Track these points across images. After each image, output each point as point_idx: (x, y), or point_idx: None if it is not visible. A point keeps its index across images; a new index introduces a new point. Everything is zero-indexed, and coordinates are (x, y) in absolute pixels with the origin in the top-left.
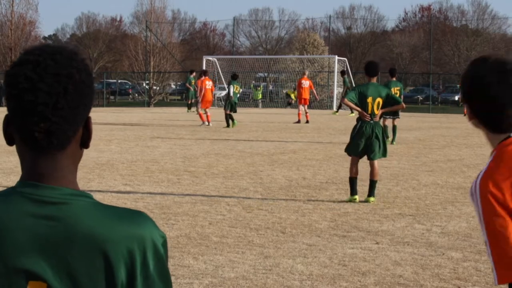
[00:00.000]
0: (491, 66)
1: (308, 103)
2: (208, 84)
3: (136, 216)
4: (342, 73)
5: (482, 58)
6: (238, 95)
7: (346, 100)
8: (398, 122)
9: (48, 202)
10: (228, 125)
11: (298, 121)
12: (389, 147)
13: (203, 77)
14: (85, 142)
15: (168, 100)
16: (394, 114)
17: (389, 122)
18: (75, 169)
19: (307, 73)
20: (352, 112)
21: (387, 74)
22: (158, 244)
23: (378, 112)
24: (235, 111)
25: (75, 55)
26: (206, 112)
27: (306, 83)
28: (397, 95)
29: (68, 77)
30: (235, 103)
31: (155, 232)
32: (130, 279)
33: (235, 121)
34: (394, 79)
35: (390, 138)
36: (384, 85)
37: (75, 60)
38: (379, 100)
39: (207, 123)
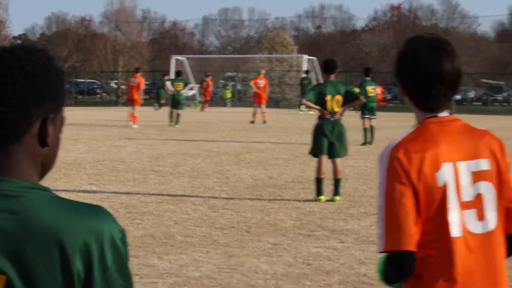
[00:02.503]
0: (422, 44)
1: (264, 102)
2: (133, 81)
3: (94, 210)
4: (306, 72)
5: (415, 36)
6: (185, 91)
7: (304, 100)
8: (375, 122)
9: (6, 195)
10: (171, 122)
11: (252, 121)
12: (357, 146)
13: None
14: (42, 139)
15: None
16: (371, 114)
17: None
18: (34, 166)
19: (262, 72)
20: (309, 110)
21: (361, 74)
22: (117, 239)
23: (338, 109)
24: (177, 108)
25: (37, 51)
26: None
27: (261, 82)
28: (373, 94)
29: (20, 69)
30: (178, 101)
31: (114, 227)
32: (88, 273)
33: (178, 123)
34: (368, 78)
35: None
36: (359, 84)
37: (33, 55)
38: (338, 97)
39: (132, 123)
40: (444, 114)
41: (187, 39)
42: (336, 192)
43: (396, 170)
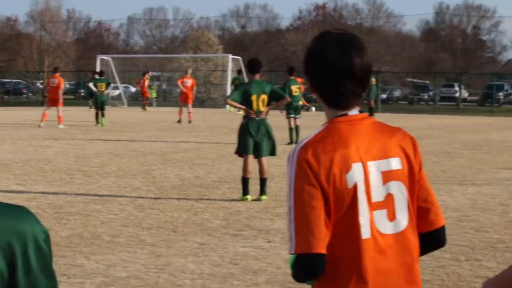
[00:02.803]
0: (330, 40)
1: (191, 102)
2: (53, 81)
3: (17, 211)
4: (239, 72)
5: (323, 32)
6: (109, 91)
7: (229, 100)
8: (300, 121)
9: None
10: (97, 123)
11: (179, 121)
12: (283, 146)
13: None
14: None
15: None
16: (296, 113)
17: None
18: None
19: (189, 71)
20: (239, 110)
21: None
22: (40, 239)
23: (264, 109)
24: (101, 109)
25: None
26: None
27: (188, 81)
28: (297, 93)
29: None
30: (101, 101)
31: (37, 228)
32: (11, 274)
33: (102, 122)
34: (293, 77)
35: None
36: (284, 84)
37: None
38: (263, 97)
39: (42, 123)
40: (354, 112)
41: (112, 39)
42: (262, 191)
43: (305, 171)
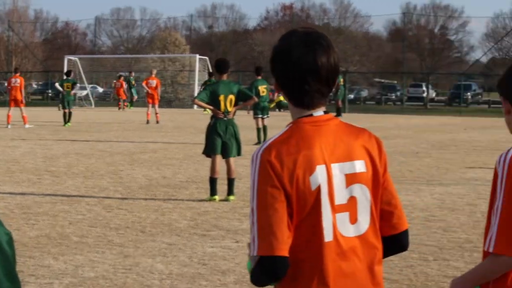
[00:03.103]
0: (296, 39)
1: (157, 102)
2: (15, 81)
3: None
4: (210, 74)
5: (290, 31)
6: (75, 91)
7: (196, 100)
8: (267, 121)
9: None
10: (65, 123)
11: (147, 122)
12: (250, 146)
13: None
14: None
15: (30, 100)
16: (264, 113)
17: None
18: None
19: (154, 72)
20: (205, 110)
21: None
22: (3, 242)
23: (232, 109)
24: (70, 107)
25: None
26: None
27: (153, 82)
28: (264, 93)
29: None
30: (68, 101)
31: (0, 230)
32: None
33: (69, 122)
34: (260, 77)
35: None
36: (251, 84)
37: None
38: (231, 97)
39: (9, 125)
40: (319, 113)
41: (79, 39)
42: (230, 191)
43: (268, 173)
